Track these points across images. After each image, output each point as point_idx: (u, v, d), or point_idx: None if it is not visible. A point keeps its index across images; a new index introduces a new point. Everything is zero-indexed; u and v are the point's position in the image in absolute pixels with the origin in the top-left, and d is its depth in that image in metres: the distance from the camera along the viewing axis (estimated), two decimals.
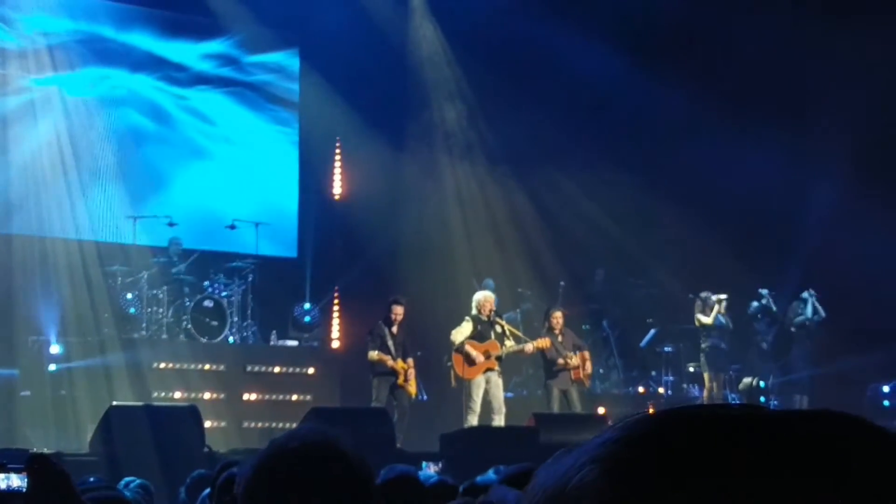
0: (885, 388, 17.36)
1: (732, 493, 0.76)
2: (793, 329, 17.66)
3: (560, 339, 15.17)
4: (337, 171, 19.46)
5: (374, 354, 14.55)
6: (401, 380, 14.57)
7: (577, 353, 15.15)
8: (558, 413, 14.68)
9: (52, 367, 15.23)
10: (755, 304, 17.87)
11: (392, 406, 14.38)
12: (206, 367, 15.76)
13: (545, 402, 15.28)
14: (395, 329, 14.74)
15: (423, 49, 19.64)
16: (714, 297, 16.95)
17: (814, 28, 17.63)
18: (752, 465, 0.77)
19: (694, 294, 17.42)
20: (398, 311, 14.81)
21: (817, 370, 17.17)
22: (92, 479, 6.06)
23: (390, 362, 14.51)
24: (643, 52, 18.27)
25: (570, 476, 0.80)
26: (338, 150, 19.43)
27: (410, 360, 14.76)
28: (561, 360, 14.98)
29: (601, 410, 16.60)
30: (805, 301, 17.44)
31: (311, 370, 16.68)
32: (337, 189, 19.45)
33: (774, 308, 17.82)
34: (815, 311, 17.42)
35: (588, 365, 15.25)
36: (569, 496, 0.80)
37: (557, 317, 15.34)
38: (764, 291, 17.80)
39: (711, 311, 16.92)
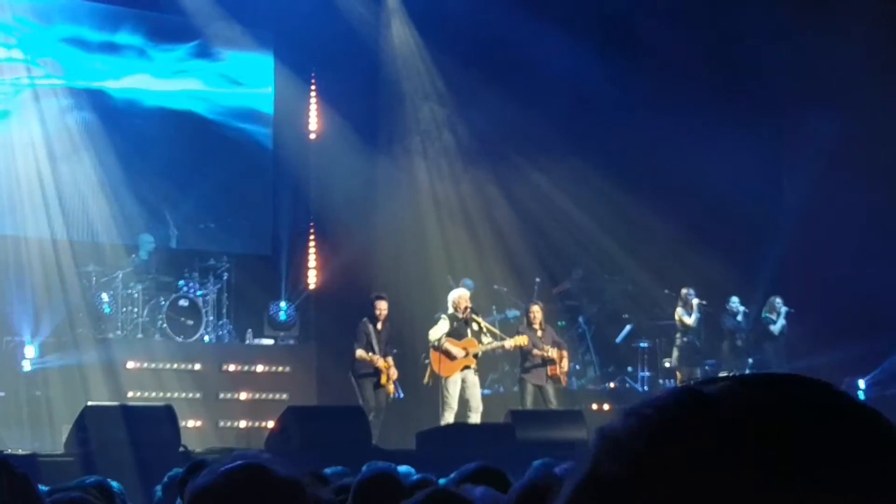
0: (861, 384, 17.39)
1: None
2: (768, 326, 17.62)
3: (539, 334, 15.06)
4: (312, 168, 19.38)
5: (362, 353, 14.42)
6: (384, 379, 14.47)
7: (557, 350, 15.08)
8: (535, 409, 14.64)
9: (27, 365, 15.12)
10: (730, 319, 17.54)
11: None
12: (182, 366, 15.71)
13: (519, 398, 15.22)
14: (379, 326, 14.63)
15: (398, 47, 19.58)
16: (696, 301, 16.80)
17: (789, 20, 17.71)
18: None
19: (670, 290, 17.42)
20: (382, 307, 14.65)
21: (791, 366, 17.18)
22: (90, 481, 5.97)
23: (374, 360, 14.41)
24: (621, 49, 18.30)
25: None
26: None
27: (390, 359, 14.69)
28: (537, 352, 14.84)
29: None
30: (779, 312, 17.26)
31: (287, 369, 16.64)
32: (312, 187, 19.37)
33: (745, 315, 17.56)
34: (782, 328, 17.27)
35: (565, 363, 15.17)
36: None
37: (535, 311, 15.20)
38: (734, 301, 17.49)
39: (692, 310, 16.76)
